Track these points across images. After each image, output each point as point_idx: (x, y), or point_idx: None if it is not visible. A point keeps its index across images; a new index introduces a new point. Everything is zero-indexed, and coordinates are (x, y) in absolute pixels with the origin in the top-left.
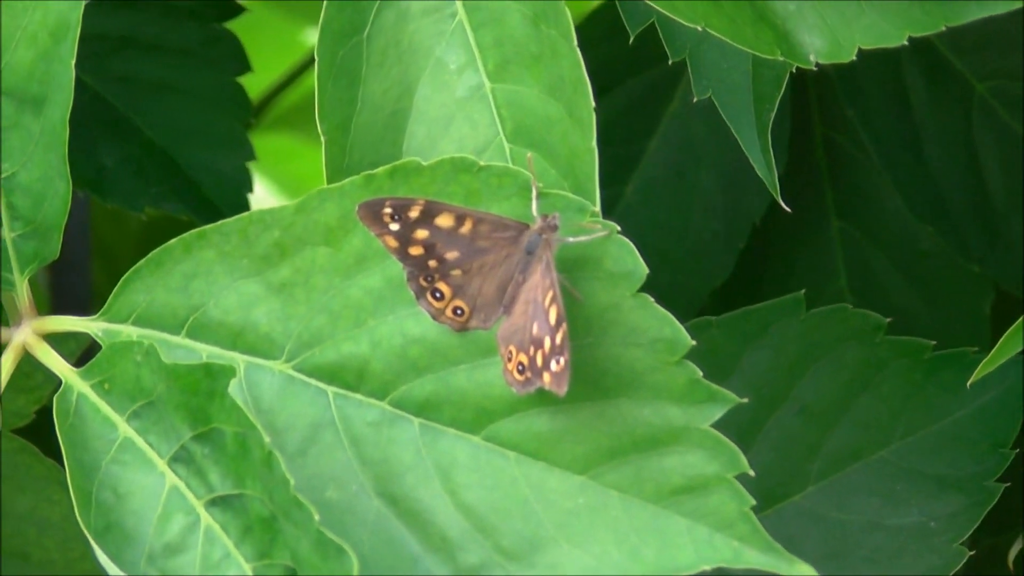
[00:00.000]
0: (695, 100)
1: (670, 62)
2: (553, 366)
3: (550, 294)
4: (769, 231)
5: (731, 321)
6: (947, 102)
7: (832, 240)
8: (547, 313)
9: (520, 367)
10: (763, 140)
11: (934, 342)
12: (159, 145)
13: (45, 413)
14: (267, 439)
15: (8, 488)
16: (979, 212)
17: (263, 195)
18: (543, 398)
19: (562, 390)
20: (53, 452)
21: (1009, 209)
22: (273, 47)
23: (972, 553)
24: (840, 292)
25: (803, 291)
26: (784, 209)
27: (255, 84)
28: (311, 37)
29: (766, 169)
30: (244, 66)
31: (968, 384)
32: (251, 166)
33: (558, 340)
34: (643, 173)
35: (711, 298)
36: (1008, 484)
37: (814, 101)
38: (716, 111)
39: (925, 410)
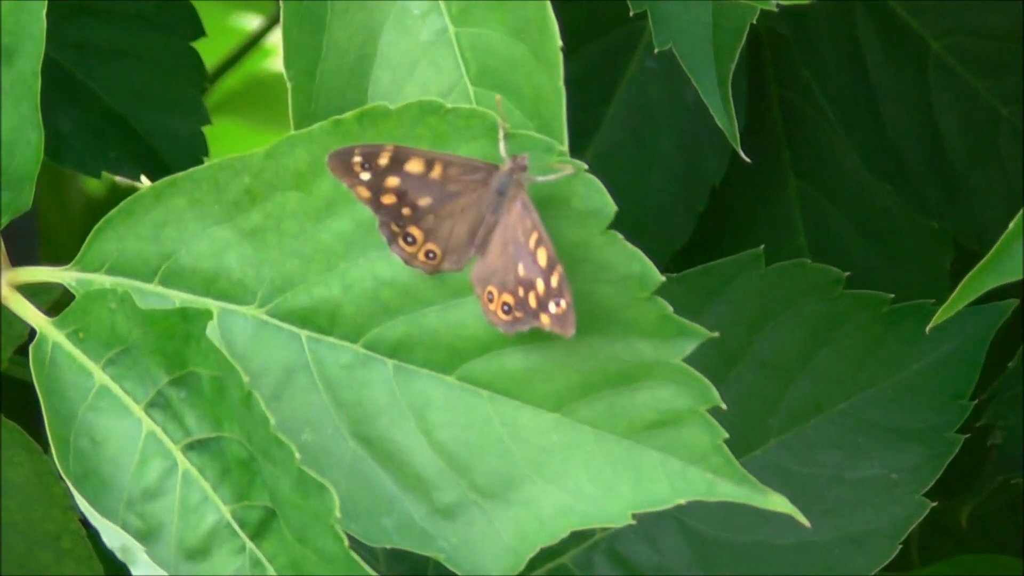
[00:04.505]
0: (656, 52)
1: (631, 14)
2: (552, 308)
3: (535, 235)
4: (728, 193)
5: (691, 278)
6: (903, 61)
7: (791, 199)
8: (534, 254)
9: (505, 307)
10: (723, 90)
11: (893, 295)
12: (116, 110)
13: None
14: (246, 379)
15: None
16: (937, 169)
17: None
18: (515, 337)
19: (568, 331)
20: (13, 414)
21: (967, 165)
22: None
23: (935, 504)
24: (799, 251)
25: (762, 247)
26: (742, 171)
27: None
28: (239, 21)
29: (726, 119)
30: (198, 31)
31: (927, 331)
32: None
33: (554, 282)
34: (602, 138)
35: (672, 261)
36: (968, 436)
37: (770, 62)
38: (673, 76)
39: (885, 363)
